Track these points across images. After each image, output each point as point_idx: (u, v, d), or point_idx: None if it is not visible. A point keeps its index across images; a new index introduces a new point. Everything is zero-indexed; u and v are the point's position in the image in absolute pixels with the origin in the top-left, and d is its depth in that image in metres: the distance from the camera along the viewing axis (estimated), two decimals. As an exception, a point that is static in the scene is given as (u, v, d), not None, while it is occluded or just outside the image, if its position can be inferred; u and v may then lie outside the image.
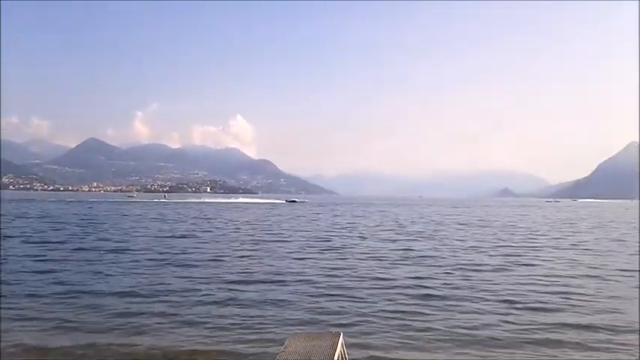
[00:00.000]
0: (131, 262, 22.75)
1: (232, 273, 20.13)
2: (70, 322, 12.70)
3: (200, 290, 16.66)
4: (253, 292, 16.63)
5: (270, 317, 13.45)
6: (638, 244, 34.79)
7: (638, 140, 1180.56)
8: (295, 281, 18.61)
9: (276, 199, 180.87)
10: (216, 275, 19.58)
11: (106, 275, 19.34)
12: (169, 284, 17.59)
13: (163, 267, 21.49)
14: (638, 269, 22.25)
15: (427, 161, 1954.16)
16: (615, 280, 19.71)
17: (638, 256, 27.71)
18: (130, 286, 17.11)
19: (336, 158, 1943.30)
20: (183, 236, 35.67)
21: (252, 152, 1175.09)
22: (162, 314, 13.51)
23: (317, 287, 17.59)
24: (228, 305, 14.76)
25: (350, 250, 28.71)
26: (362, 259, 24.55)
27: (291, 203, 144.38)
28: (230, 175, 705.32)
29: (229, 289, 16.89)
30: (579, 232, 46.35)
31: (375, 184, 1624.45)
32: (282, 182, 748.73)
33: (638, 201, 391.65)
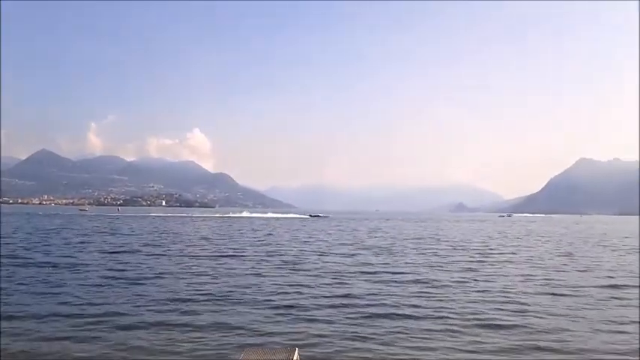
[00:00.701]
0: (74, 280, 21.80)
1: (186, 290, 19.59)
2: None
3: (150, 306, 16.10)
4: (207, 307, 16.18)
5: (225, 332, 13.17)
6: (586, 258, 35.86)
7: (587, 156, 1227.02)
8: (250, 295, 18.27)
9: (285, 213, 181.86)
10: (166, 292, 19.00)
11: (40, 294, 18.39)
12: (113, 304, 16.81)
13: (110, 285, 20.67)
14: (589, 285, 22.72)
15: (383, 175, 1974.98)
16: (566, 295, 20.04)
17: (587, 272, 28.44)
18: (67, 306, 16.32)
19: (293, 172, 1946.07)
20: (138, 251, 34.76)
21: (209, 165, 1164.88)
22: (100, 339, 12.88)
23: (273, 303, 17.28)
24: (182, 320, 14.31)
25: (306, 265, 28.45)
26: (319, 275, 24.33)
27: (314, 218, 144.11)
28: (186, 189, 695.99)
29: (180, 306, 16.38)
30: (530, 247, 47.27)
31: (332, 197, 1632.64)
32: (239, 196, 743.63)
33: (587, 216, 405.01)
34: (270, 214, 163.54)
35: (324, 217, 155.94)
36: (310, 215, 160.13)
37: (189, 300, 17.49)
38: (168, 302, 17.06)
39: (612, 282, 23.73)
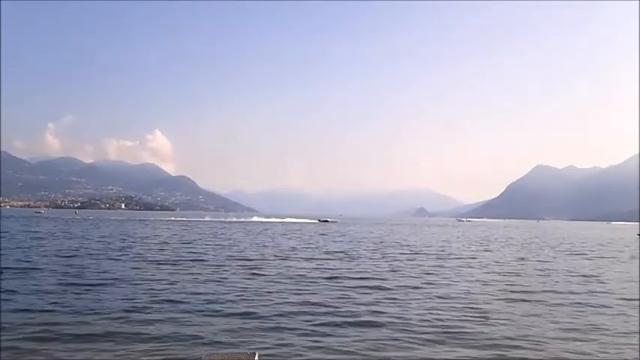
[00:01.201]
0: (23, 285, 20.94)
1: (143, 294, 19.04)
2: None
3: (104, 312, 15.55)
4: (165, 312, 15.73)
5: (185, 337, 12.90)
6: (543, 263, 36.64)
7: (543, 163, 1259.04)
8: (207, 302, 17.89)
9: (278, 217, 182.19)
10: (126, 296, 18.43)
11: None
12: (62, 312, 16.03)
13: (63, 291, 19.86)
14: (545, 290, 23.13)
15: (346, 180, 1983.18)
16: (525, 301, 20.30)
17: (544, 276, 28.98)
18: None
19: (256, 175, 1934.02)
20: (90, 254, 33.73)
21: (170, 168, 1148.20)
22: (40, 354, 12.32)
23: (231, 307, 17.01)
24: (139, 326, 13.87)
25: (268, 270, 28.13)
26: (280, 280, 24.05)
27: (323, 223, 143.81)
28: (146, 192, 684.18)
29: (135, 311, 15.90)
30: (489, 251, 48.03)
31: (295, 201, 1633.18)
32: (200, 199, 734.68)
33: (543, 221, 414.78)
34: (287, 219, 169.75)
35: (333, 221, 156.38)
36: (319, 220, 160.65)
37: (146, 308, 16.98)
38: (123, 311, 16.44)
39: (570, 288, 24.22)
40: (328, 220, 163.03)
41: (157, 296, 19.05)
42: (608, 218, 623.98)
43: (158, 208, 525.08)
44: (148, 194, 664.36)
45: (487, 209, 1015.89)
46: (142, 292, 19.98)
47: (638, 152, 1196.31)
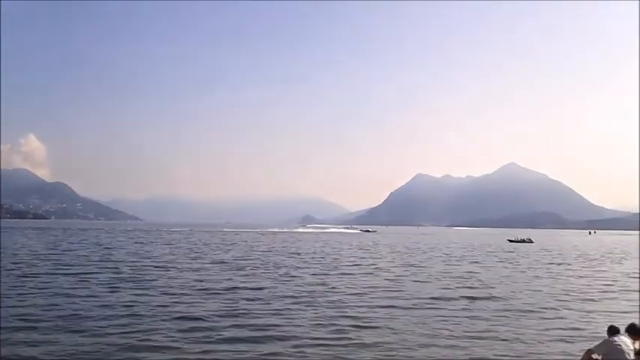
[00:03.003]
0: None
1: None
2: None
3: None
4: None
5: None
6: (426, 268, 38.62)
7: (423, 172, 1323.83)
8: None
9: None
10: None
11: None
12: None
13: None
14: (434, 296, 24.17)
15: (234, 187, 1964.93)
16: (408, 308, 21.21)
17: (427, 283, 30.56)
18: None
19: (142, 181, 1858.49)
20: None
21: (45, 174, 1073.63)
22: None
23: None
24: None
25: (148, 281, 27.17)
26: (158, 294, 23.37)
27: (364, 233, 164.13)
28: (18, 199, 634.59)
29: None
30: (375, 258, 49.65)
31: (182, 209, 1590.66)
32: (78, 207, 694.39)
33: (423, 228, 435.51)
34: (333, 229, 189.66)
35: (373, 231, 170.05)
36: (361, 230, 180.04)
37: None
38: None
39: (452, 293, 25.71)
40: (369, 230, 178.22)
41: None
42: (482, 224, 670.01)
43: (31, 216, 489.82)
44: (19, 201, 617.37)
45: (371, 216, 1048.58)
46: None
47: (507, 162, 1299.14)
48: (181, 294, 23.20)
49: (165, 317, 17.77)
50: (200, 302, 21.15)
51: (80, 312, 18.50)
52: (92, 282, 26.91)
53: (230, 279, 29.36)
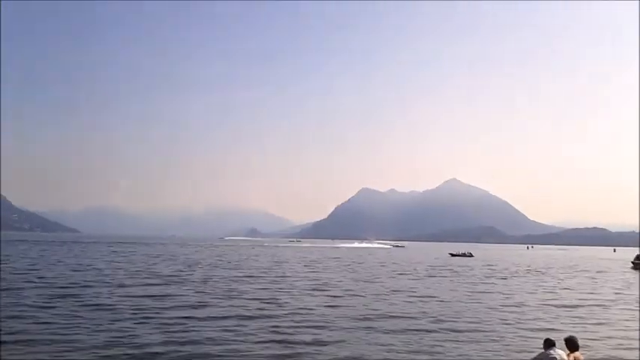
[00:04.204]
0: None
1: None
2: None
3: None
4: None
5: None
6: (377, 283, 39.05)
7: (368, 186, 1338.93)
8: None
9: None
10: None
11: None
12: None
13: None
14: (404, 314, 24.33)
15: (179, 199, 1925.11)
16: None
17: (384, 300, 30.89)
18: None
19: (80, 193, 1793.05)
20: None
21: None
22: None
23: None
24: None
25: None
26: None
27: (396, 248, 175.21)
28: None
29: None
30: (319, 272, 49.88)
31: (124, 221, 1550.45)
32: (14, 218, 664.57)
33: (367, 242, 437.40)
34: (375, 244, 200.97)
35: (401, 246, 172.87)
36: (392, 245, 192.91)
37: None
38: None
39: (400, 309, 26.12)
40: (399, 244, 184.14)
41: None
42: (425, 239, 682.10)
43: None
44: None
45: (317, 229, 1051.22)
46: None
47: (449, 178, 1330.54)
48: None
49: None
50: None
51: None
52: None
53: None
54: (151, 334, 17.67)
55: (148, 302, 25.28)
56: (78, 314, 21.29)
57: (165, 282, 35.66)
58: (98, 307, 23.39)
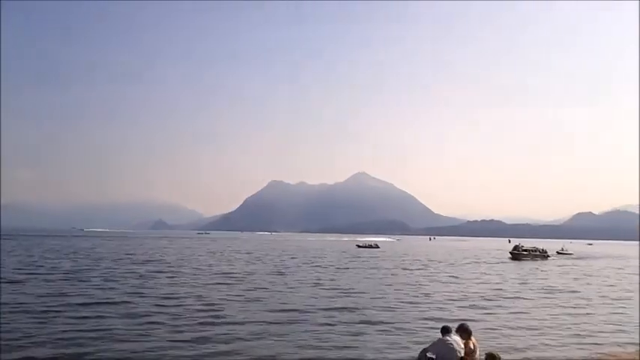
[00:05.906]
0: None
1: None
2: None
3: None
4: None
5: None
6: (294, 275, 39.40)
7: (277, 179, 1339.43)
8: None
9: None
10: None
11: None
12: None
13: None
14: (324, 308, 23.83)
15: (84, 191, 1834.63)
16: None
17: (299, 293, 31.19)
18: None
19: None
20: None
21: None
22: None
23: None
24: None
25: None
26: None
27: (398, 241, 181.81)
28: None
29: None
30: (235, 264, 49.54)
31: (28, 214, 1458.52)
32: None
33: (276, 234, 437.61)
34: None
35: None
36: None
37: None
38: None
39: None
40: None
41: None
42: (333, 231, 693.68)
43: None
44: None
45: (226, 222, 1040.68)
46: None
47: (357, 172, 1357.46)
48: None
49: None
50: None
51: None
52: None
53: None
54: None
55: None
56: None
57: None
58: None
